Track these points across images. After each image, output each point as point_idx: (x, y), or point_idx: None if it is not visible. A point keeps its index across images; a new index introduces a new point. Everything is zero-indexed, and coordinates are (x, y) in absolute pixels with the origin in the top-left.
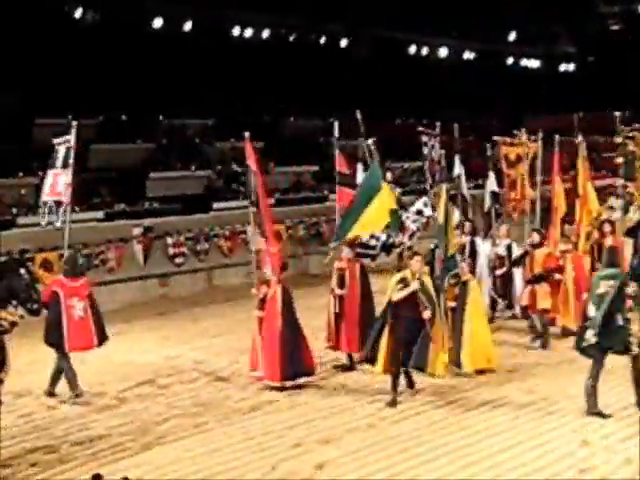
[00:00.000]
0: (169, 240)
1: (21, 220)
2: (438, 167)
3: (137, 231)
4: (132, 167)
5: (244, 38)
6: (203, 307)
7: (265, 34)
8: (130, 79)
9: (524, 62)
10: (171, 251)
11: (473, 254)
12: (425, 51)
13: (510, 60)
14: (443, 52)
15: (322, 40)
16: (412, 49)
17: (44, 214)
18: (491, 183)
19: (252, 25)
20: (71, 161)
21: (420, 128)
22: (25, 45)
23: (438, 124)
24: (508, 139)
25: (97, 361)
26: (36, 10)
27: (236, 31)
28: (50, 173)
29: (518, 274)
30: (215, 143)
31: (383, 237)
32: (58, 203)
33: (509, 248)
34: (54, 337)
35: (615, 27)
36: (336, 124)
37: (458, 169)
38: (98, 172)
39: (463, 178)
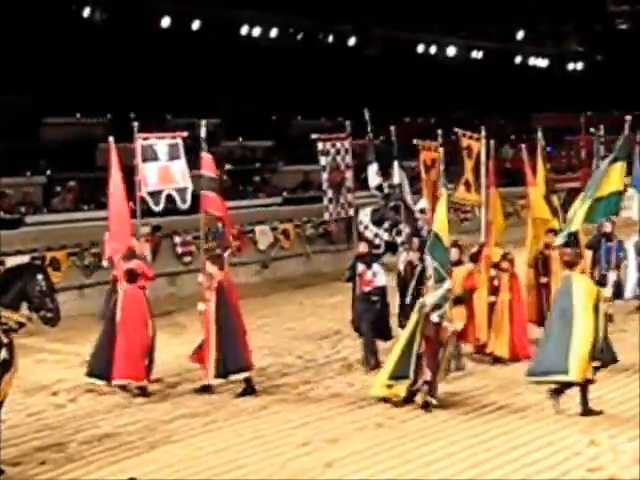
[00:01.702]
0: (177, 239)
1: (29, 219)
2: (347, 174)
3: (145, 230)
4: None
5: (252, 37)
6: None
7: (273, 33)
8: (138, 78)
9: (532, 61)
10: (179, 250)
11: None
12: (433, 50)
13: (518, 59)
14: (451, 51)
15: (330, 39)
16: (420, 48)
17: (157, 202)
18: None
19: (260, 24)
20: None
21: (314, 136)
22: (33, 44)
23: (348, 122)
24: (427, 143)
25: None
26: (44, 9)
27: (244, 30)
28: (149, 166)
29: None
30: (223, 142)
31: (386, 236)
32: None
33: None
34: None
35: (623, 26)
36: (346, 123)
37: (398, 177)
38: (106, 171)
39: (406, 187)
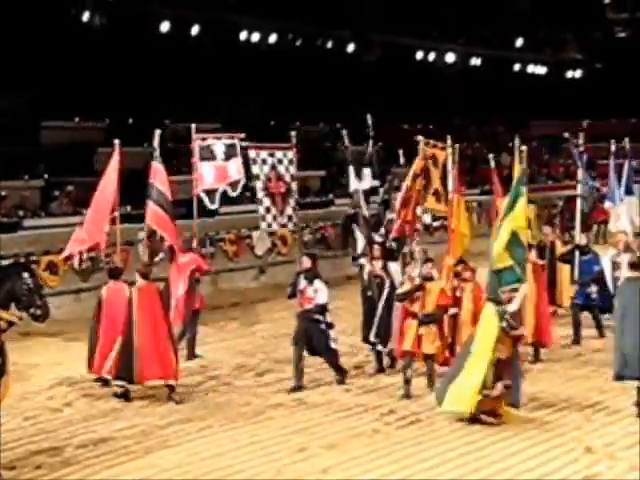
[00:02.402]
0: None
1: (27, 222)
2: (293, 185)
3: (142, 234)
4: (138, 170)
5: (251, 42)
6: (209, 311)
7: (272, 39)
8: (137, 82)
9: (531, 68)
10: None
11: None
12: (432, 57)
13: (517, 66)
14: (450, 58)
15: (329, 45)
16: (419, 54)
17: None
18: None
19: (259, 29)
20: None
21: (243, 143)
22: (32, 48)
23: (293, 134)
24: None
25: None
26: (43, 13)
27: (243, 35)
28: (206, 165)
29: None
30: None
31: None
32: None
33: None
34: None
35: (622, 34)
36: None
37: (354, 184)
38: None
39: (361, 195)
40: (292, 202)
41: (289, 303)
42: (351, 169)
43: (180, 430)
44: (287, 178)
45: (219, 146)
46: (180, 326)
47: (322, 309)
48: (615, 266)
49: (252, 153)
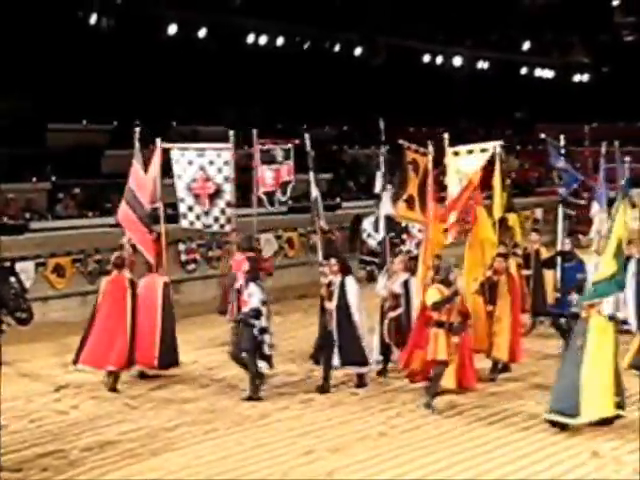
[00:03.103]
0: (181, 246)
1: (34, 225)
2: (226, 187)
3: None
4: None
5: (258, 45)
6: (215, 313)
7: (279, 41)
8: (144, 85)
9: (538, 72)
10: (183, 257)
11: (344, 296)
12: (439, 60)
13: (524, 70)
14: (457, 61)
15: (336, 48)
16: (426, 58)
17: (272, 201)
18: (385, 205)
19: (266, 32)
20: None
21: (164, 145)
22: (39, 50)
23: (232, 132)
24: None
25: None
26: (50, 16)
27: (250, 38)
28: (266, 169)
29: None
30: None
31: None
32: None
33: (406, 284)
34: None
35: (630, 38)
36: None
37: (315, 191)
38: (111, 178)
39: (320, 203)
40: (221, 204)
41: (295, 306)
42: (312, 175)
43: (186, 433)
44: (218, 180)
45: (277, 151)
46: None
47: (256, 313)
48: None
49: (175, 154)
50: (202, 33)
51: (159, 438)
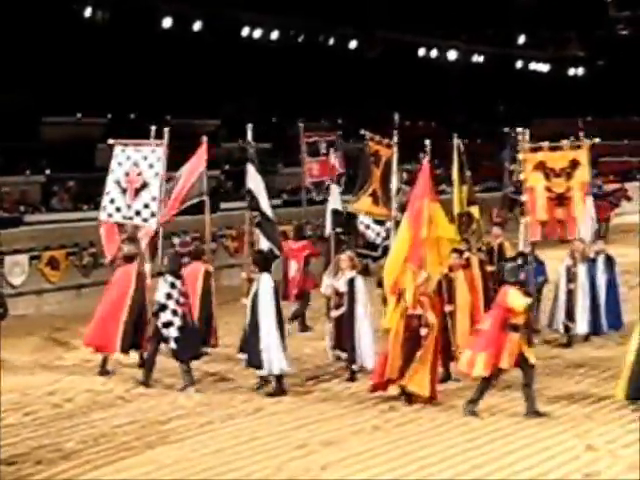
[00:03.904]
0: (176, 240)
1: (28, 218)
2: (154, 182)
3: (143, 231)
4: None
5: (253, 38)
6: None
7: (274, 35)
8: (139, 78)
9: (533, 66)
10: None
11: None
12: (434, 54)
13: (519, 64)
14: (452, 55)
15: (332, 42)
16: (422, 52)
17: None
18: (334, 199)
19: (261, 26)
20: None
21: (110, 141)
22: (33, 44)
23: (166, 131)
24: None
25: None
26: (45, 9)
27: (245, 31)
28: (313, 160)
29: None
30: (223, 143)
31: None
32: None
33: (352, 283)
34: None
35: (624, 32)
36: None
37: (250, 183)
38: (105, 171)
39: (263, 193)
40: (147, 198)
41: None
42: (250, 167)
43: (181, 426)
44: (148, 174)
45: (322, 143)
46: (295, 305)
47: (160, 307)
48: (570, 277)
49: (117, 149)
50: (197, 26)
51: (154, 431)
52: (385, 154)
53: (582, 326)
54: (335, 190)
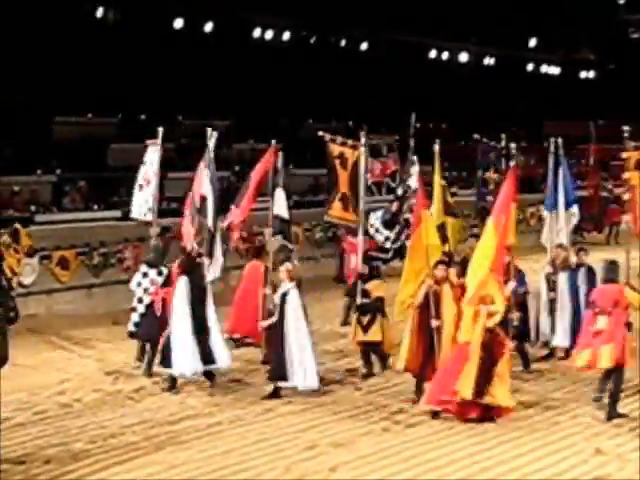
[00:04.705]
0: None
1: (39, 217)
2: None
3: (154, 231)
4: None
5: (265, 40)
6: (218, 308)
7: (286, 36)
8: (150, 79)
9: (544, 68)
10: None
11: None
12: (445, 56)
13: (530, 66)
14: (463, 57)
15: (342, 43)
16: (432, 54)
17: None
18: (279, 206)
19: (273, 27)
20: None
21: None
22: (45, 43)
23: (160, 130)
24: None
25: (112, 359)
26: (57, 9)
27: (257, 33)
28: (374, 161)
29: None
30: (234, 144)
31: (393, 237)
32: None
33: (284, 297)
34: None
35: (636, 35)
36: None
37: (205, 187)
38: (116, 171)
39: (209, 204)
40: (148, 194)
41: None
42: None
43: (190, 427)
44: (149, 173)
45: (382, 144)
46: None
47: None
48: (550, 286)
49: (150, 149)
50: (208, 27)
51: (162, 431)
52: (351, 156)
53: (563, 339)
54: (281, 195)
